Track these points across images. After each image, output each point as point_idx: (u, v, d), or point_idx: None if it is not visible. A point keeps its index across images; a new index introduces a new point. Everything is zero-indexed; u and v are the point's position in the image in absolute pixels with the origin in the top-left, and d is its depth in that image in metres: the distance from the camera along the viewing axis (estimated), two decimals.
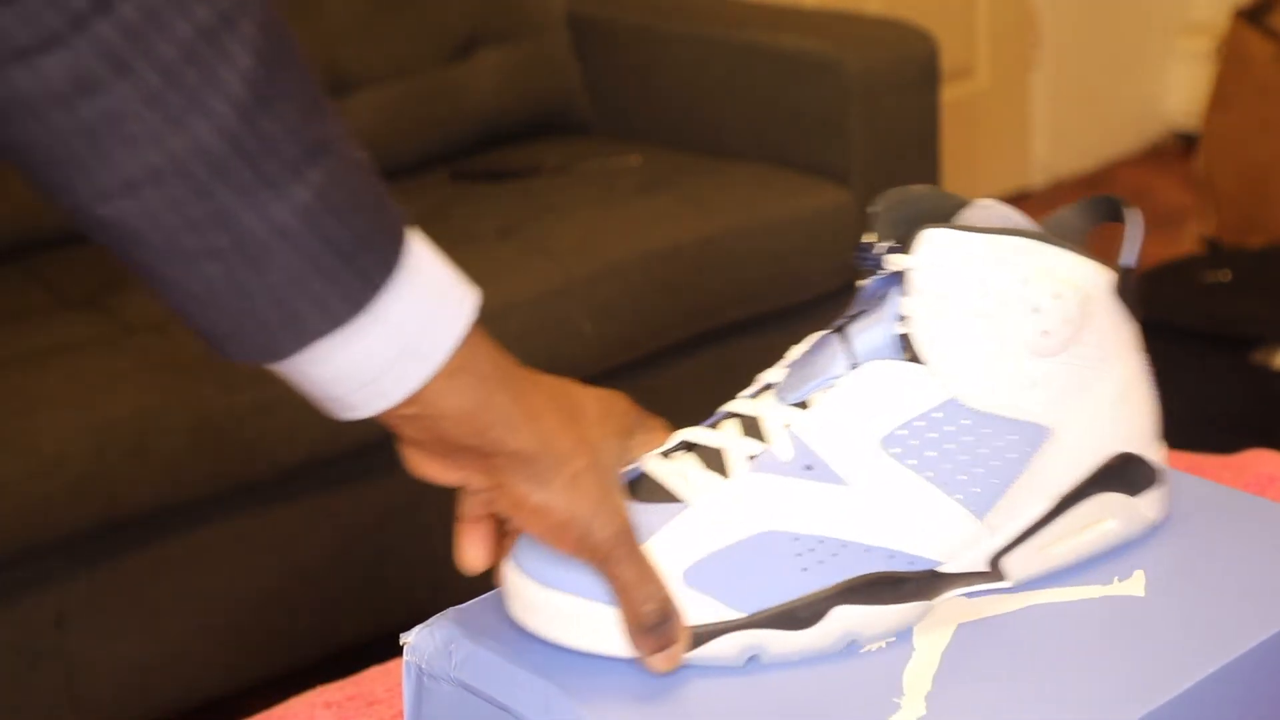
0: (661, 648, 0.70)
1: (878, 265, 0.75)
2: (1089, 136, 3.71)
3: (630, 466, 0.76)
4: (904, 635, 0.74)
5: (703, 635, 0.71)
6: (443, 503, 0.82)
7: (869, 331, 0.75)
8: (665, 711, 0.70)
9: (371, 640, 1.91)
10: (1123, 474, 0.78)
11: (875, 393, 0.74)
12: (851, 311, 0.77)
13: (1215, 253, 2.77)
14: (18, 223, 2.11)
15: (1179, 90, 3.77)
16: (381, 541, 1.93)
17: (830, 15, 2.52)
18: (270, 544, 1.88)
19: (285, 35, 0.63)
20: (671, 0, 2.55)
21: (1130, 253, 0.77)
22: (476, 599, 0.78)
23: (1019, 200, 3.57)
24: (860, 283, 0.78)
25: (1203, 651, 0.72)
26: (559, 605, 0.72)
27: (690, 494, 0.73)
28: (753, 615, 0.72)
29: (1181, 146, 3.75)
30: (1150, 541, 0.80)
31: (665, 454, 0.76)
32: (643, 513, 0.73)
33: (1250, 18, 2.86)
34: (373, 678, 0.98)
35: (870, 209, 0.76)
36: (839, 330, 0.77)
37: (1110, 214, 0.80)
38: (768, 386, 0.77)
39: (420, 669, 0.76)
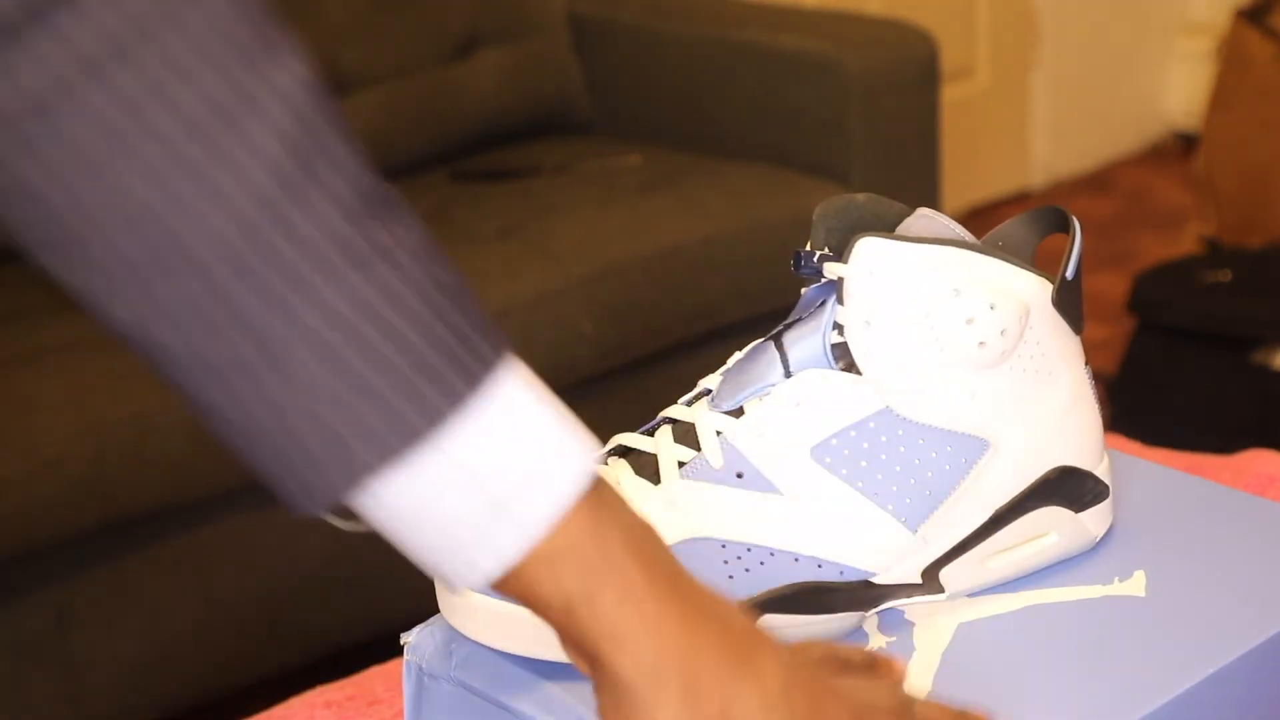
0: None
1: (816, 273, 0.75)
2: (1089, 136, 3.71)
3: None
4: (904, 634, 0.74)
5: None
6: None
7: (804, 340, 0.75)
8: None
9: (371, 640, 1.91)
10: (1065, 488, 0.77)
11: (808, 401, 0.74)
12: (790, 319, 0.77)
13: (1215, 253, 2.77)
14: None
15: (1179, 90, 3.77)
16: (382, 541, 1.92)
17: (830, 15, 2.52)
18: (270, 544, 1.88)
19: (336, 132, 0.56)
20: (671, 0, 2.55)
21: (1071, 265, 0.76)
22: None
23: (1019, 200, 3.57)
24: (804, 290, 0.77)
25: (1202, 652, 0.72)
26: (492, 611, 0.71)
27: None
28: None
29: (1181, 146, 3.75)
30: (1150, 542, 0.80)
31: (600, 460, 0.75)
32: None
33: (1250, 18, 2.87)
34: (373, 678, 0.98)
35: (814, 216, 0.76)
36: (775, 338, 0.76)
37: (1058, 225, 0.79)
38: (705, 393, 0.77)
39: (420, 668, 0.76)
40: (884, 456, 0.74)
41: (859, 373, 0.74)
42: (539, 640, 0.68)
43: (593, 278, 2.03)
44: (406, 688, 0.78)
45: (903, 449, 0.74)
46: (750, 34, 2.37)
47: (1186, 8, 3.78)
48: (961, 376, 0.74)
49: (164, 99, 0.53)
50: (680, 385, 0.80)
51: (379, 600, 1.94)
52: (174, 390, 0.58)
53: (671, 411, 0.77)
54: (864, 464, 0.74)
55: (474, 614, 0.72)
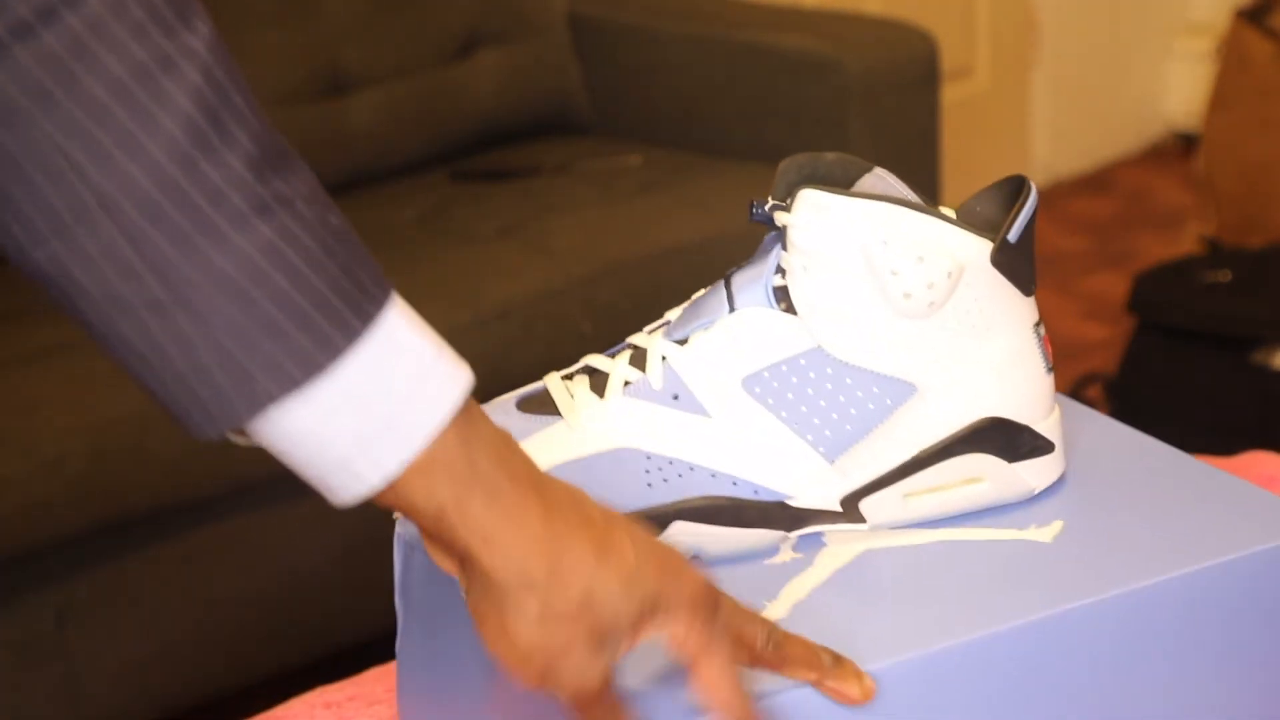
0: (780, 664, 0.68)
1: (767, 220, 0.80)
2: (1089, 136, 3.71)
3: (537, 383, 0.82)
4: (811, 553, 0.80)
5: None
6: None
7: (751, 281, 0.81)
8: None
9: (371, 640, 1.91)
10: (998, 438, 0.81)
11: (745, 336, 0.80)
12: (745, 263, 0.83)
13: (1215, 253, 2.77)
14: None
15: (1179, 90, 3.77)
16: (381, 542, 1.93)
17: (830, 15, 2.52)
18: (270, 544, 1.88)
19: (239, 91, 0.61)
20: (671, 0, 2.55)
21: (1016, 228, 0.79)
22: None
23: None
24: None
25: (1036, 600, 0.75)
26: None
27: (567, 410, 0.81)
28: None
29: (1181, 146, 3.75)
30: (1093, 499, 0.83)
31: (568, 375, 0.83)
32: (521, 420, 0.80)
33: (1250, 18, 2.87)
34: (373, 678, 0.98)
35: (778, 169, 0.82)
36: (728, 278, 0.82)
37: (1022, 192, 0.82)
38: (666, 323, 0.84)
39: (406, 540, 0.84)
40: (810, 391, 0.79)
41: (796, 314, 0.79)
42: None
43: (592, 277, 2.04)
44: (396, 558, 0.86)
45: (829, 386, 0.79)
46: (750, 34, 2.37)
47: (1186, 8, 3.78)
48: (890, 323, 0.79)
49: (88, 60, 0.58)
50: None
51: (379, 600, 1.94)
52: (81, 325, 0.62)
53: (634, 338, 0.84)
54: (790, 396, 0.79)
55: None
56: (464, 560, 0.64)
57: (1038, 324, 0.82)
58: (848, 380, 0.79)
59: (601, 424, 0.80)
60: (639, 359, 0.82)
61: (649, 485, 0.79)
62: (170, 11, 0.59)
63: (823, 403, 0.79)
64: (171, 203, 0.59)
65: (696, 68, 2.41)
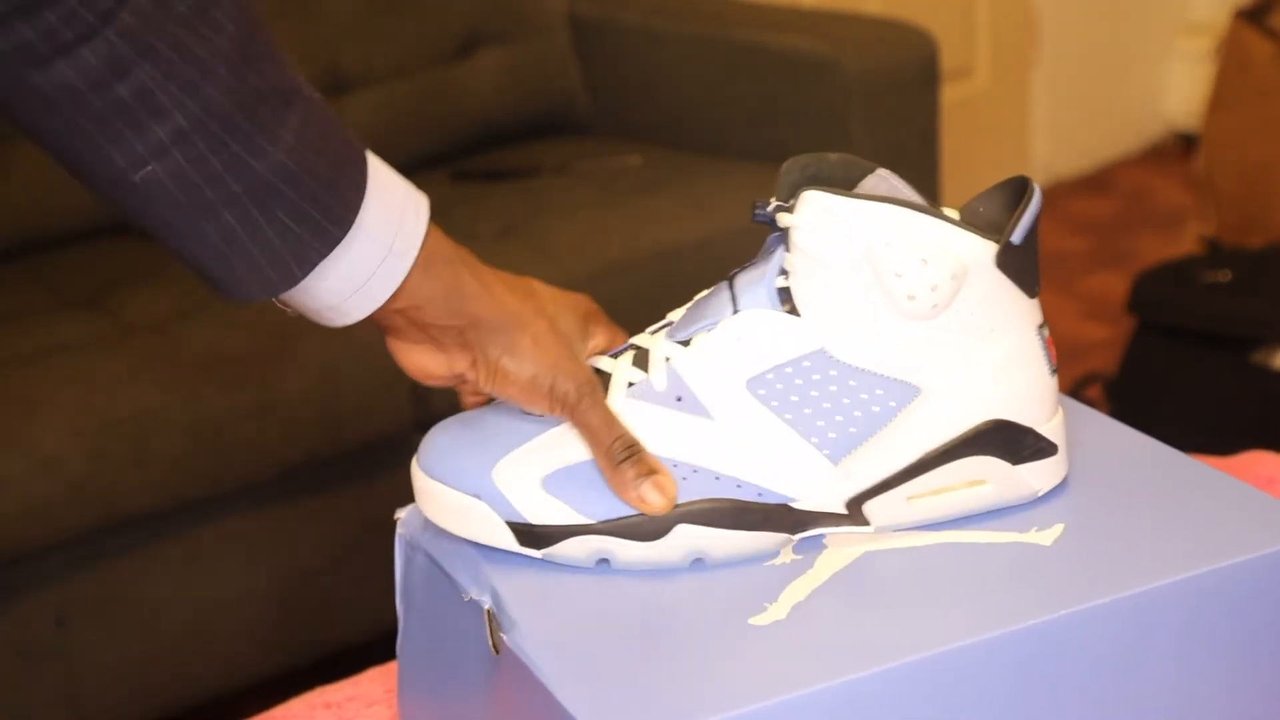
0: (640, 477, 0.78)
1: (769, 221, 0.81)
2: (1089, 136, 3.71)
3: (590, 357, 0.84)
4: (811, 553, 0.80)
5: (555, 535, 0.78)
6: None
7: (755, 282, 0.81)
8: (569, 588, 0.79)
9: (371, 640, 1.91)
10: (1001, 440, 0.81)
11: (748, 337, 0.80)
12: (748, 263, 0.83)
13: (1215, 253, 2.77)
14: (18, 223, 2.11)
15: (1179, 90, 3.77)
16: (381, 541, 1.93)
17: (830, 15, 2.52)
18: (270, 544, 1.88)
19: (251, 3, 0.74)
20: (671, 0, 2.55)
21: (1019, 230, 0.79)
22: None
23: None
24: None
25: (1023, 606, 0.75)
26: (446, 498, 0.80)
27: None
28: (600, 523, 0.79)
29: (1181, 146, 3.75)
30: (1096, 501, 0.83)
31: None
32: (524, 422, 0.81)
33: (1250, 18, 2.87)
34: (373, 678, 0.98)
35: (781, 169, 0.82)
36: (730, 279, 0.82)
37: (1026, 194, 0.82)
38: (669, 324, 0.84)
39: (406, 541, 0.85)
40: (815, 393, 0.79)
41: (799, 315, 0.79)
42: (481, 527, 0.80)
43: (593, 278, 2.04)
44: (397, 557, 0.87)
45: (834, 388, 0.79)
46: (750, 34, 2.37)
47: (1186, 8, 3.78)
48: (894, 325, 0.79)
49: (166, 7, 0.70)
50: None
51: (379, 600, 1.94)
52: (158, 231, 0.74)
53: (637, 339, 0.84)
54: (795, 399, 0.79)
55: (434, 499, 0.81)
56: (464, 329, 0.79)
57: (1041, 325, 0.82)
58: (851, 382, 0.79)
59: None
60: (642, 360, 0.82)
61: None
62: None
63: (826, 405, 0.79)
64: (240, 111, 0.71)
65: (696, 68, 2.41)
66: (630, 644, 0.75)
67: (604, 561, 0.79)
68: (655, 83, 2.47)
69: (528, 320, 0.81)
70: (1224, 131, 2.90)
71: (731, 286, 0.82)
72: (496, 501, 0.79)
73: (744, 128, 2.38)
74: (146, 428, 1.74)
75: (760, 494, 0.79)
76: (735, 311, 0.81)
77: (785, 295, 0.80)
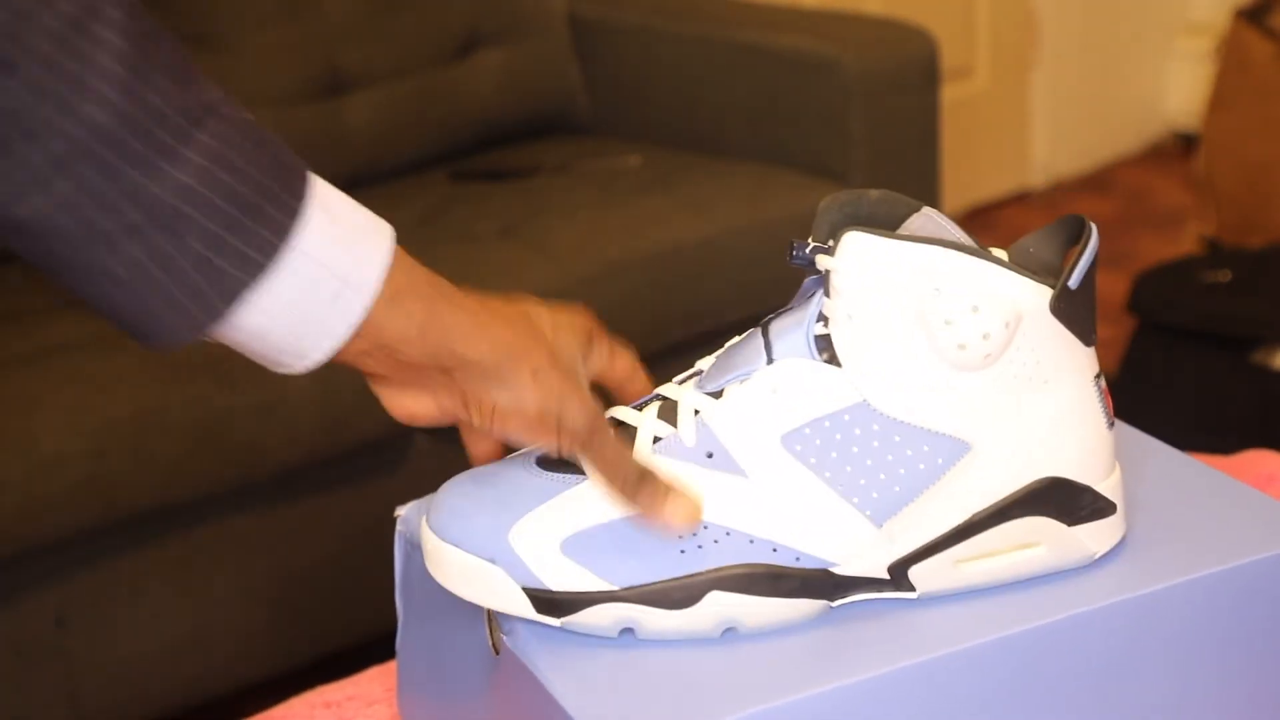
0: (656, 498, 0.73)
1: (808, 264, 0.75)
2: (1089, 136, 3.71)
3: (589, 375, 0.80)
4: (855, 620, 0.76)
5: (576, 603, 0.74)
6: None
7: (790, 329, 0.76)
8: None
9: (371, 640, 1.91)
10: (1057, 500, 0.76)
11: (784, 389, 0.74)
12: (783, 309, 0.78)
13: (1215, 253, 2.77)
14: None
15: (1179, 90, 3.77)
16: (381, 541, 1.93)
17: (830, 15, 2.52)
18: (270, 544, 1.88)
19: (147, 17, 0.67)
20: (671, 0, 2.55)
21: (1076, 274, 0.75)
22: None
23: (1019, 200, 3.57)
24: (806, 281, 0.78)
25: (1065, 599, 0.75)
26: (459, 562, 0.75)
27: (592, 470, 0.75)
28: (625, 589, 0.73)
29: (1181, 146, 3.75)
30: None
31: None
32: (542, 479, 0.76)
33: (1250, 18, 2.87)
34: (372, 678, 0.98)
35: (819, 207, 0.76)
36: (764, 325, 0.77)
37: (1081, 234, 0.78)
38: (698, 373, 0.78)
39: (407, 540, 0.83)
40: (856, 450, 0.74)
41: (839, 365, 0.74)
42: (492, 592, 0.75)
43: (593, 278, 2.03)
44: (396, 556, 0.85)
45: (876, 444, 0.74)
46: (750, 34, 2.37)
47: (1186, 8, 3.78)
48: (943, 376, 0.74)
49: (30, 21, 0.64)
50: None
51: (379, 600, 1.94)
52: (58, 270, 0.69)
53: (663, 389, 0.79)
54: (834, 455, 0.74)
55: (446, 563, 0.76)
56: (454, 363, 0.73)
57: (1098, 375, 0.77)
58: (896, 438, 0.74)
59: None
60: (669, 412, 0.77)
61: (681, 552, 0.74)
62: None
63: (869, 462, 0.74)
64: (130, 132, 0.65)
65: (696, 68, 2.41)
66: (630, 644, 0.74)
67: (628, 631, 0.74)
68: (655, 83, 2.47)
69: (526, 352, 0.74)
70: (1224, 131, 2.90)
71: (766, 334, 0.76)
72: (513, 566, 0.74)
73: (744, 128, 2.38)
74: (146, 428, 1.74)
75: (798, 558, 0.74)
76: (770, 361, 0.75)
77: (824, 344, 0.75)
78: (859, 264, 0.73)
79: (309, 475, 1.87)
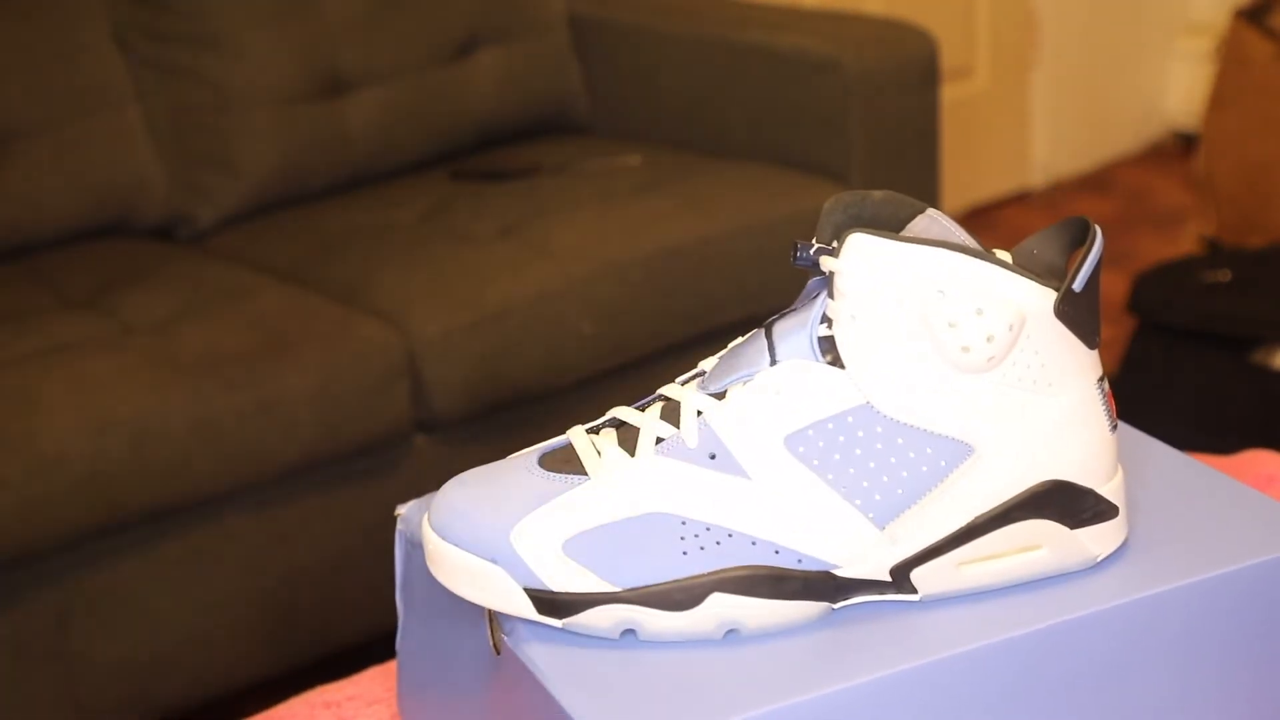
0: None
1: (811, 265, 0.75)
2: (1089, 136, 3.71)
3: (560, 436, 0.79)
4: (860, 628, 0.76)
5: (577, 604, 0.74)
6: None
7: (793, 330, 0.76)
8: None
9: (371, 640, 1.91)
10: (1060, 503, 0.76)
11: (788, 390, 0.74)
12: (787, 310, 0.78)
13: (1215, 253, 2.77)
14: (18, 223, 2.11)
15: (1179, 90, 3.77)
16: (381, 541, 1.93)
17: (830, 15, 2.52)
18: (270, 544, 1.88)
19: None
20: (671, 0, 2.55)
21: (1081, 277, 0.75)
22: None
23: (1019, 200, 3.57)
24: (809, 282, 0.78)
25: (1064, 602, 0.75)
26: (460, 562, 0.75)
27: (594, 469, 0.75)
28: (627, 590, 0.74)
29: (1181, 146, 3.75)
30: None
31: (594, 429, 0.78)
32: (543, 479, 0.75)
33: (1250, 18, 2.86)
34: (372, 677, 0.98)
35: (823, 208, 0.76)
36: (768, 326, 0.77)
37: (1085, 236, 0.78)
38: (701, 374, 0.78)
39: (408, 538, 0.83)
40: (859, 452, 0.74)
41: (843, 367, 0.74)
42: (498, 594, 0.75)
43: (592, 278, 2.03)
44: (397, 554, 0.85)
45: (879, 446, 0.74)
46: (750, 34, 2.37)
47: (1186, 8, 3.78)
48: (946, 379, 0.74)
49: None
50: None
51: (379, 600, 1.94)
52: None
53: (666, 389, 0.79)
54: (837, 457, 0.74)
55: (447, 563, 0.76)
56: None
57: (1101, 378, 0.78)
58: (899, 440, 0.74)
59: (632, 486, 0.75)
60: (671, 413, 0.77)
61: (684, 554, 0.74)
62: None
63: (872, 464, 0.74)
64: None
65: (696, 68, 2.41)
66: (631, 646, 0.74)
67: (630, 632, 0.74)
68: (655, 83, 2.47)
69: None
70: (1224, 131, 2.90)
71: (769, 335, 0.76)
72: (514, 567, 0.74)
73: (744, 128, 2.38)
74: (146, 428, 1.74)
75: (800, 560, 0.74)
76: (773, 362, 0.75)
77: (828, 345, 0.75)
78: (863, 266, 0.73)
79: (309, 475, 1.87)
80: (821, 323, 0.75)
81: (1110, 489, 0.78)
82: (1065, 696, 0.75)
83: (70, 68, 2.16)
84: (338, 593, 1.93)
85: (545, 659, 0.74)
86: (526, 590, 0.74)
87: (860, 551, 0.75)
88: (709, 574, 0.74)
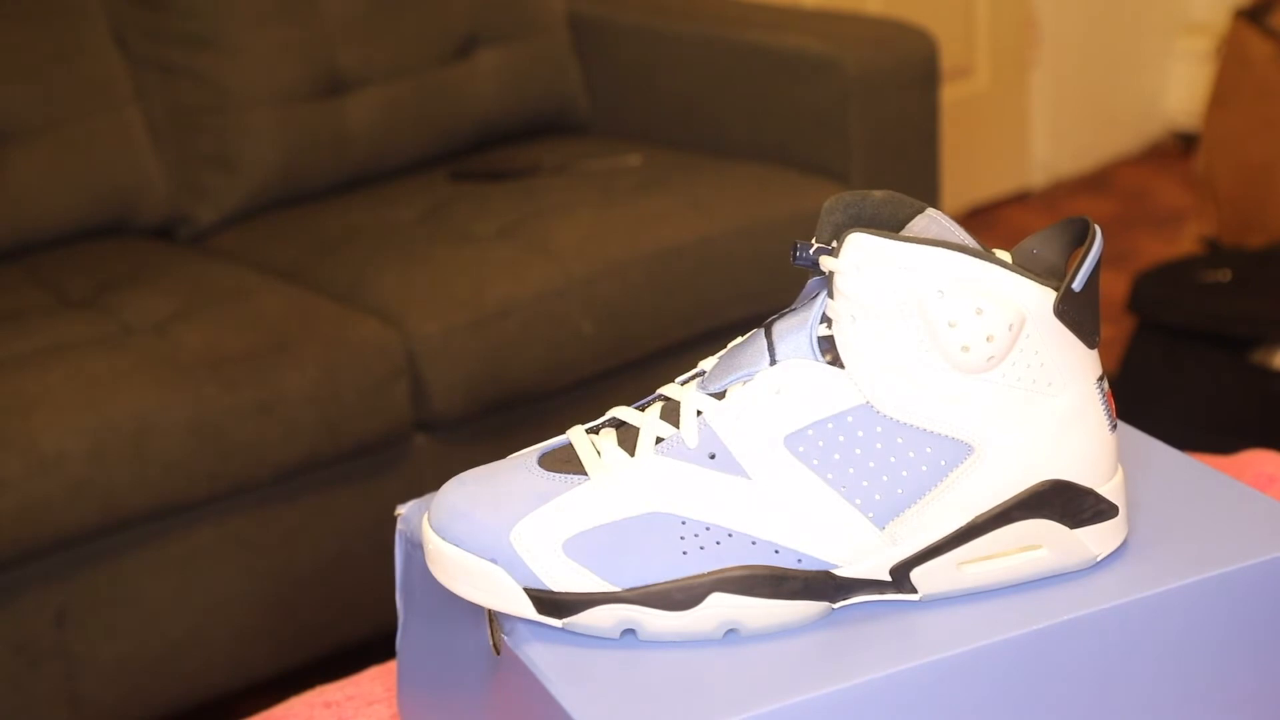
0: None
1: (811, 264, 0.75)
2: (1089, 136, 3.71)
3: (560, 436, 0.79)
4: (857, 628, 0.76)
5: (577, 604, 0.74)
6: None
7: (793, 330, 0.76)
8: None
9: (371, 640, 1.91)
10: (1060, 503, 0.76)
11: (787, 390, 0.74)
12: (787, 310, 0.78)
13: (1215, 253, 2.77)
14: (18, 223, 2.11)
15: (1179, 90, 3.77)
16: (381, 541, 1.93)
17: (830, 15, 2.52)
18: (270, 544, 1.88)
19: None
20: (671, 0, 2.55)
21: (1080, 277, 0.75)
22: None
23: (1019, 200, 3.57)
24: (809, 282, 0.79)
25: (1064, 603, 0.75)
26: (460, 562, 0.75)
27: (594, 469, 0.75)
28: (627, 590, 0.74)
29: (1181, 146, 3.75)
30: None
31: (594, 429, 0.78)
32: (543, 479, 0.76)
33: (1250, 18, 2.86)
34: (372, 677, 0.98)
35: (823, 208, 0.76)
36: (767, 326, 0.77)
37: (1085, 235, 0.78)
38: (701, 374, 0.78)
39: (408, 538, 0.83)
40: (858, 451, 0.74)
41: (843, 367, 0.74)
42: (498, 593, 0.75)
43: (593, 278, 2.03)
44: (397, 555, 0.85)
45: (879, 446, 0.74)
46: (750, 34, 2.37)
47: (1186, 8, 3.78)
48: (946, 379, 0.74)
49: None
50: None
51: (379, 600, 1.94)
52: None
53: (666, 389, 0.79)
54: (837, 457, 0.74)
55: (447, 563, 0.76)
56: None
57: (1101, 378, 0.78)
58: (899, 440, 0.74)
59: (632, 485, 0.75)
60: (671, 413, 0.77)
61: (684, 553, 0.74)
62: None
63: (872, 464, 0.74)
64: None
65: (696, 68, 2.41)
66: (631, 645, 0.74)
67: (630, 632, 0.74)
68: (655, 83, 2.47)
69: None
70: (1224, 131, 2.90)
71: (769, 335, 0.76)
72: (514, 566, 0.74)
73: (744, 128, 2.38)
74: (146, 428, 1.74)
75: (800, 560, 0.74)
76: (773, 362, 0.75)
77: (827, 345, 0.75)
78: (863, 265, 0.73)
79: (309, 475, 1.87)
80: (821, 322, 0.75)
81: (1110, 489, 0.78)
82: (1066, 696, 0.75)
83: (70, 68, 2.16)
84: (338, 593, 1.93)
85: (545, 659, 0.74)
86: (526, 590, 0.74)
87: (860, 551, 0.75)
88: (709, 574, 0.74)
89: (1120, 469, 0.79)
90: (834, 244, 0.74)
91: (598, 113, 2.53)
